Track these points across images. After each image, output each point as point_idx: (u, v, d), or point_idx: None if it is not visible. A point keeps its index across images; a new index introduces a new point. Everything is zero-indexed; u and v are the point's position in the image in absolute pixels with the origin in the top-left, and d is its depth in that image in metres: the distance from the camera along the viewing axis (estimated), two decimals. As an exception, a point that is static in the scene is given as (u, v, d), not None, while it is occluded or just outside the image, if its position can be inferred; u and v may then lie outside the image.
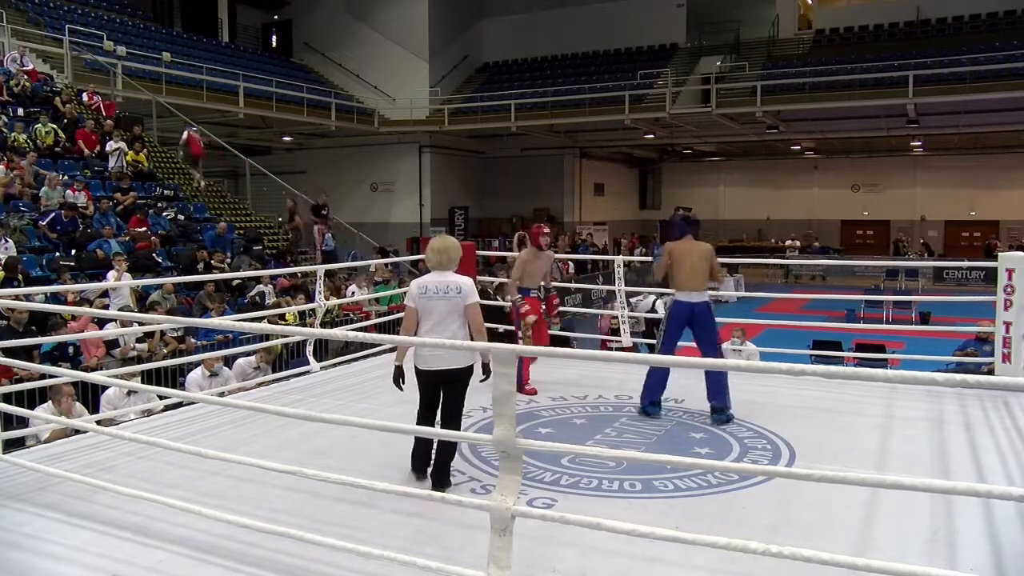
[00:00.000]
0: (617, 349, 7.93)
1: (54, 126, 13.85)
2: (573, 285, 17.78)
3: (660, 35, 27.81)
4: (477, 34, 29.97)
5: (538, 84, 26.13)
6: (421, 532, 3.61)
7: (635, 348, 8.22)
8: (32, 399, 6.57)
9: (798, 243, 29.08)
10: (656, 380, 5.62)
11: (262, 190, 19.30)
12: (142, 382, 6.68)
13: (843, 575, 2.72)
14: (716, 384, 5.43)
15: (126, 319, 6.77)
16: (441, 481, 4.20)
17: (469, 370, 4.25)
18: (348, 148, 26.99)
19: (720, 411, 5.42)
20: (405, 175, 27.24)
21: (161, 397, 6.40)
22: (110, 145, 14.18)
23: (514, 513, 2.87)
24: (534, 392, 6.31)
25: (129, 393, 6.71)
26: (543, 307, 6.67)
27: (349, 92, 27.02)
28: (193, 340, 9.24)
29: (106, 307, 9.13)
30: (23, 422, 5.81)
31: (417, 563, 2.98)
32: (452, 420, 4.26)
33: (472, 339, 4.23)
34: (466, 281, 4.30)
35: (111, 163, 14.03)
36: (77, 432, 5.12)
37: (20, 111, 13.96)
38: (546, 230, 6.76)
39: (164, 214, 13.44)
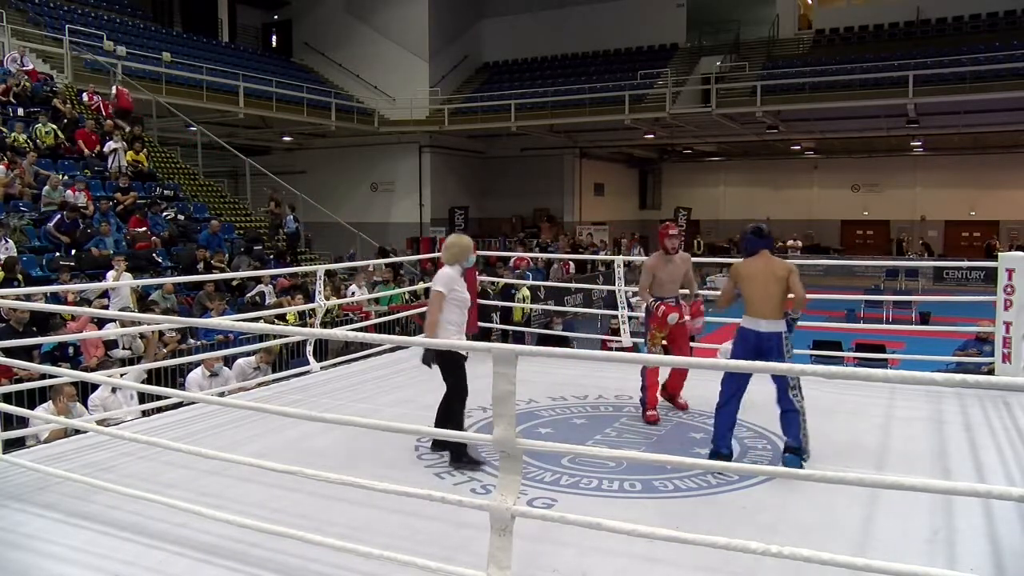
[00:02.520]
0: (617, 349, 7.93)
1: (54, 126, 13.85)
2: (573, 285, 17.82)
3: (660, 35, 27.83)
4: (477, 34, 29.98)
5: (538, 84, 26.14)
6: (421, 532, 3.61)
7: (635, 348, 8.22)
8: (32, 399, 6.57)
9: (800, 243, 29.03)
10: (723, 422, 4.68)
11: (262, 190, 19.31)
12: (143, 383, 6.68)
13: (843, 575, 2.72)
14: (791, 423, 4.57)
15: (126, 319, 6.76)
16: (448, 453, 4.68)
17: (437, 354, 4.78)
18: (348, 148, 27.00)
19: (796, 451, 4.48)
20: (405, 175, 27.25)
21: (160, 397, 6.39)
22: (108, 145, 14.17)
23: (514, 513, 2.87)
24: (685, 407, 5.75)
25: (114, 390, 6.69)
26: (686, 314, 5.66)
27: (349, 92, 27.02)
28: (193, 341, 9.24)
29: (106, 307, 9.12)
30: (23, 422, 5.80)
31: (417, 563, 2.98)
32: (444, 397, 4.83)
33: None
34: (439, 273, 4.88)
35: (110, 163, 14.02)
36: (77, 432, 5.12)
37: (20, 111, 13.96)
38: (672, 231, 5.76)
39: (164, 214, 13.43)
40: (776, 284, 4.63)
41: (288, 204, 16.33)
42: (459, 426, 4.62)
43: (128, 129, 15.13)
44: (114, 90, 15.84)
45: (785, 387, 4.59)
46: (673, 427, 5.45)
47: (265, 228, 15.79)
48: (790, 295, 4.66)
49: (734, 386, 4.65)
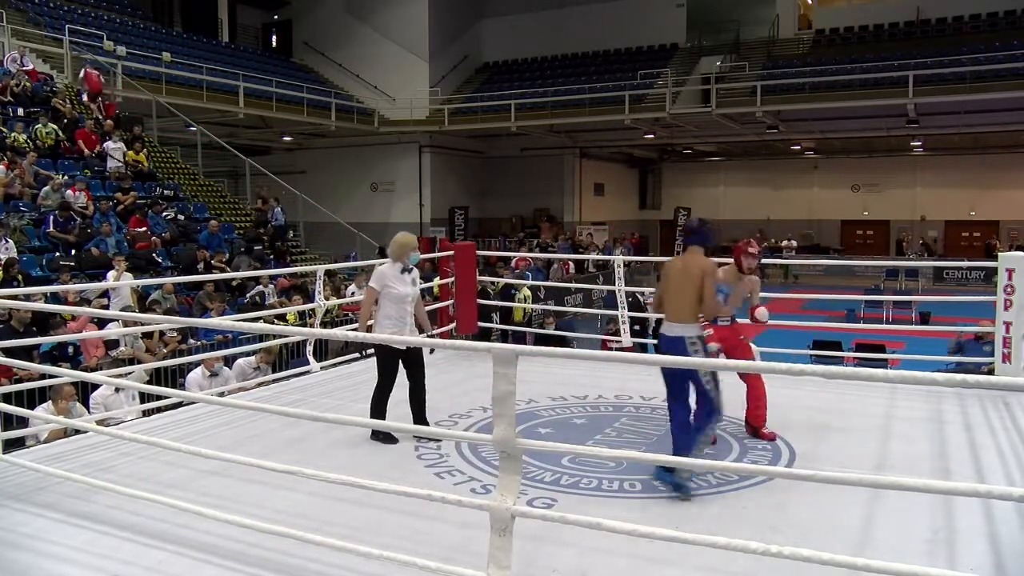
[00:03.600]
0: (617, 349, 7.93)
1: (54, 126, 13.84)
2: (573, 285, 17.83)
3: (660, 35, 27.82)
4: (477, 34, 29.97)
5: (538, 84, 26.14)
6: (421, 532, 3.61)
7: (636, 348, 8.21)
8: (32, 399, 6.57)
9: (795, 243, 29.10)
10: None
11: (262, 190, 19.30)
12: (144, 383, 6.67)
13: (843, 575, 2.72)
14: (678, 440, 4.27)
15: (126, 319, 6.76)
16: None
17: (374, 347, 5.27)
18: (348, 148, 26.99)
19: (671, 472, 4.12)
20: (405, 175, 27.24)
21: (160, 397, 6.39)
22: (108, 146, 14.16)
23: (514, 513, 2.87)
24: (772, 438, 5.02)
25: (117, 390, 6.69)
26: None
27: (349, 92, 27.02)
28: (193, 341, 9.24)
29: (106, 307, 9.12)
30: (23, 422, 5.80)
31: (417, 563, 2.98)
32: None
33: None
34: (375, 269, 5.26)
35: (109, 163, 14.01)
36: (77, 432, 5.12)
37: (20, 111, 13.95)
38: (752, 249, 5.12)
39: (164, 214, 13.42)
40: (687, 282, 4.23)
41: (273, 197, 16.31)
42: (381, 413, 5.00)
43: (99, 109, 15.06)
44: (82, 73, 15.81)
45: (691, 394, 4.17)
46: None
47: (251, 224, 15.74)
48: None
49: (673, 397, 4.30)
